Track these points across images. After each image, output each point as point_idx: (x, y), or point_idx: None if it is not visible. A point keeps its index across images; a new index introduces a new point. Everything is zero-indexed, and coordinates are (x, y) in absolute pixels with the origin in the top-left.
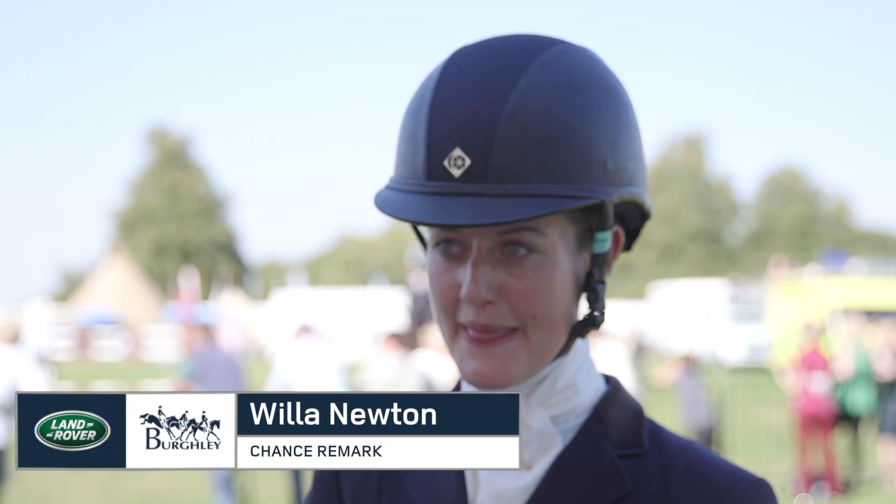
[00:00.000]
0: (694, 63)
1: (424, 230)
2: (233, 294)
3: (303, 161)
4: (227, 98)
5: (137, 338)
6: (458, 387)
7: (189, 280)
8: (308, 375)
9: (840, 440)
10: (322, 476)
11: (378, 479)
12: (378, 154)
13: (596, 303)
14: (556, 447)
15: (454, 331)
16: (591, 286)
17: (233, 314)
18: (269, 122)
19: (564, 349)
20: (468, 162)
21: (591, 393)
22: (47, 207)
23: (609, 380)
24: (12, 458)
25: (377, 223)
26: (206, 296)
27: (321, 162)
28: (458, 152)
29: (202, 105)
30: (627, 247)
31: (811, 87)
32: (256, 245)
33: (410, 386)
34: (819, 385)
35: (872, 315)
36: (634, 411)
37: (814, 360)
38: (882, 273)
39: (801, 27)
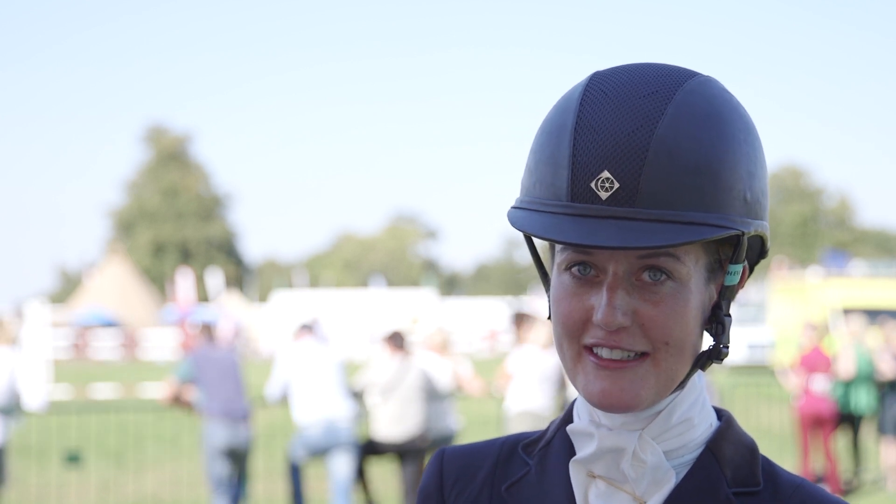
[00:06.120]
0: (694, 62)
1: (544, 253)
2: (231, 294)
3: (302, 160)
4: (225, 97)
5: (135, 338)
6: (568, 415)
7: (187, 280)
8: (308, 376)
9: (841, 440)
10: (427, 499)
11: None
12: (378, 153)
13: (722, 335)
14: (670, 482)
15: (578, 354)
16: (719, 318)
17: (230, 313)
18: (267, 121)
19: (683, 381)
20: (616, 185)
21: (705, 428)
22: (46, 207)
23: (721, 414)
24: (11, 457)
25: (376, 223)
26: (203, 296)
27: (320, 161)
28: (606, 174)
29: (201, 104)
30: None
31: (813, 87)
32: (255, 244)
33: (409, 385)
34: (820, 385)
35: (873, 315)
36: (748, 447)
37: (815, 360)
38: (883, 274)
39: (802, 27)
